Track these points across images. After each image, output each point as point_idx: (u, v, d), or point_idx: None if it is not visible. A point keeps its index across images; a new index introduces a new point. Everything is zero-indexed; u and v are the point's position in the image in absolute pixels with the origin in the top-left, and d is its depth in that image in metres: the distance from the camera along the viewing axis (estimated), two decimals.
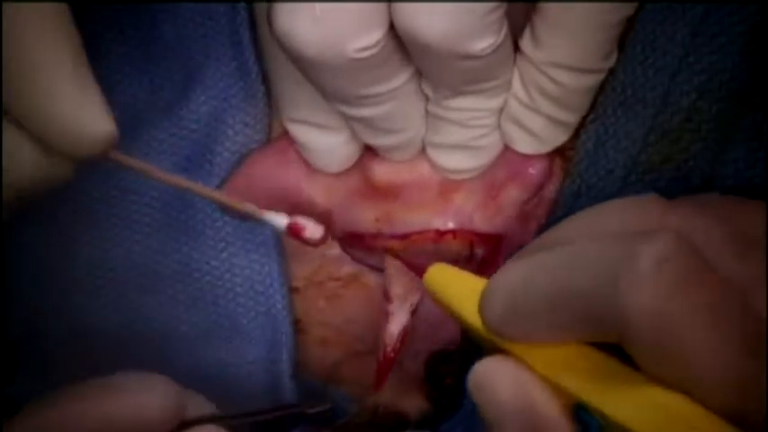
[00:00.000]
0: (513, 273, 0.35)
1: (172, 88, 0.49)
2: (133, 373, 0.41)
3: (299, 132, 0.47)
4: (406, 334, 0.48)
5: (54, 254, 0.50)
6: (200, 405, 0.42)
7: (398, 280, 0.48)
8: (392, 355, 0.48)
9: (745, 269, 0.35)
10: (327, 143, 0.47)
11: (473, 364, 0.49)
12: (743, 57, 0.44)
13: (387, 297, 0.48)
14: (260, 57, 0.48)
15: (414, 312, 0.48)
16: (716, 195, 0.40)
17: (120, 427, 0.39)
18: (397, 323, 0.48)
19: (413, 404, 0.51)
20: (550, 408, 0.34)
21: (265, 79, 0.48)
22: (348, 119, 0.45)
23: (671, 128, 0.44)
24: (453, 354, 0.49)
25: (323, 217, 0.49)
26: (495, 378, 0.35)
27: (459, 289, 0.39)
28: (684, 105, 0.44)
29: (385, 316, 0.48)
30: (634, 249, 0.32)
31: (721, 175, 0.44)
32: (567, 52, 0.42)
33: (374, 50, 0.40)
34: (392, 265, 0.48)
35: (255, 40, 0.48)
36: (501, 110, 0.45)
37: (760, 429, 0.31)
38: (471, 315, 0.37)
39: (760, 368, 0.31)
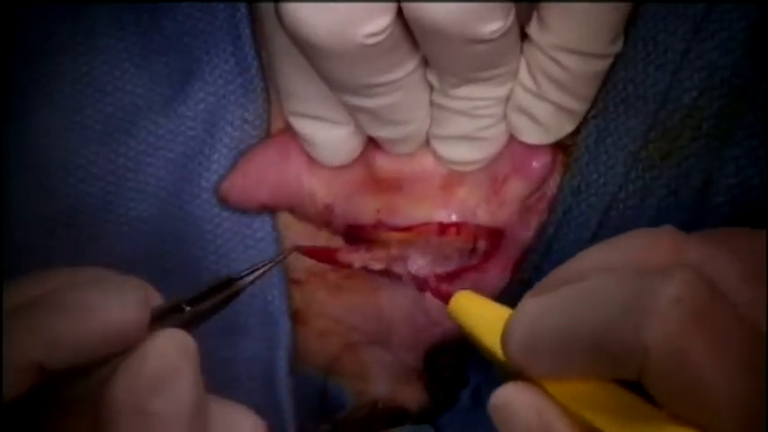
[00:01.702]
0: (531, 309, 0.36)
1: (171, 84, 0.49)
2: (99, 275, 0.38)
3: (302, 126, 0.47)
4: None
5: (52, 252, 0.50)
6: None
7: None
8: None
9: (758, 298, 0.35)
10: (331, 137, 0.47)
11: (471, 357, 0.49)
12: (744, 53, 0.44)
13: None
14: (259, 53, 0.48)
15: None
16: (731, 229, 0.40)
17: (91, 347, 0.35)
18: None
19: (411, 397, 0.51)
20: None
21: (264, 75, 0.48)
22: (353, 110, 0.45)
23: (672, 125, 0.45)
24: (452, 347, 0.49)
25: (324, 213, 0.49)
26: (515, 401, 0.35)
27: (483, 318, 0.39)
28: (685, 102, 0.44)
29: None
30: (652, 287, 0.32)
31: (722, 172, 0.44)
32: (574, 35, 0.43)
33: (382, 36, 0.40)
34: None
35: (255, 35, 0.48)
36: (507, 99, 0.45)
37: None
38: (495, 346, 0.37)
39: None
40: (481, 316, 0.39)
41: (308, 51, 0.41)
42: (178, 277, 0.49)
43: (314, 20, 0.39)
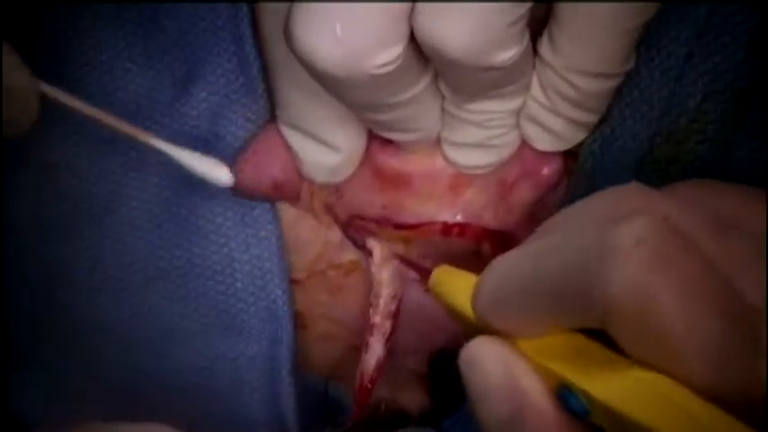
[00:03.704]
0: (502, 264, 0.36)
1: (173, 83, 0.49)
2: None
3: (295, 140, 0.47)
4: (382, 366, 0.49)
5: (54, 251, 0.50)
6: None
7: (379, 309, 0.49)
8: (369, 386, 0.49)
9: (727, 253, 0.34)
10: (324, 161, 0.47)
11: None
12: (746, 57, 0.44)
13: (369, 329, 0.49)
14: (261, 52, 0.48)
15: (387, 343, 0.49)
16: (701, 181, 0.39)
17: None
18: (373, 354, 0.49)
19: (414, 401, 0.51)
20: (536, 388, 0.34)
21: (266, 76, 0.48)
22: (363, 119, 0.45)
23: (677, 129, 0.44)
24: (456, 351, 0.49)
25: (330, 197, 0.49)
26: (483, 356, 0.35)
27: (460, 288, 0.39)
28: (690, 107, 0.44)
29: (365, 347, 0.49)
30: (614, 231, 0.32)
31: (727, 175, 0.44)
32: (586, 59, 0.42)
33: (394, 66, 0.40)
34: (376, 294, 0.49)
35: (257, 35, 0.48)
36: (519, 110, 0.45)
37: (742, 409, 0.31)
38: (470, 313, 0.37)
39: (741, 347, 0.31)
40: (458, 286, 0.39)
41: (318, 78, 0.41)
42: (179, 276, 0.50)
43: (326, 52, 0.39)
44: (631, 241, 0.31)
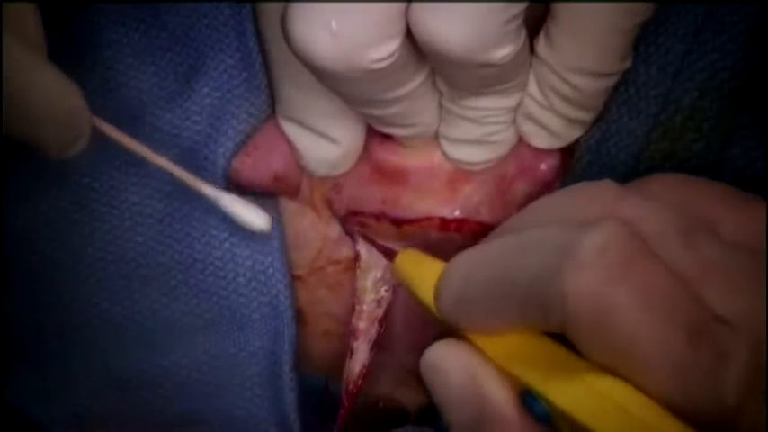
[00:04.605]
0: (465, 259, 0.36)
1: (175, 79, 0.49)
2: None
3: (295, 134, 0.47)
4: (368, 372, 0.49)
5: (55, 247, 0.50)
6: None
7: (362, 315, 0.49)
8: (354, 390, 0.49)
9: (693, 257, 0.34)
10: (323, 154, 0.47)
11: None
12: (744, 55, 0.44)
13: (353, 333, 0.49)
14: (263, 47, 0.48)
15: (373, 348, 0.49)
16: (666, 177, 0.39)
17: None
18: (357, 359, 0.49)
19: (412, 399, 0.51)
20: (498, 393, 0.35)
21: (267, 71, 0.48)
22: (360, 113, 0.45)
23: (673, 126, 0.44)
24: None
25: (331, 191, 0.49)
26: (446, 361, 0.36)
27: (423, 275, 0.39)
28: (686, 104, 0.44)
29: (349, 353, 0.49)
30: (577, 236, 0.32)
31: (723, 173, 0.44)
32: (583, 57, 0.42)
33: (390, 61, 0.40)
34: (359, 300, 0.49)
35: (259, 31, 0.48)
36: (516, 107, 0.45)
37: (700, 418, 0.31)
38: (428, 298, 0.38)
39: (705, 359, 0.31)
40: (421, 273, 0.39)
41: (315, 73, 0.41)
42: (180, 272, 0.50)
43: (322, 48, 0.39)
44: (595, 251, 0.32)
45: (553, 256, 0.32)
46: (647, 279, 0.32)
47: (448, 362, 0.35)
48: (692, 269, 0.34)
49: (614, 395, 0.32)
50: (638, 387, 0.32)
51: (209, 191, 0.46)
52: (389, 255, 0.41)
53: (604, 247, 0.32)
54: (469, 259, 0.35)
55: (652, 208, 0.36)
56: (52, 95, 0.38)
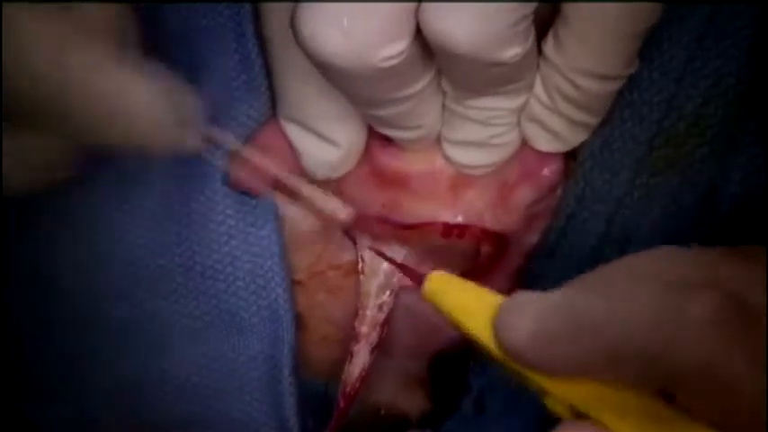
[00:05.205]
0: (542, 304, 0.35)
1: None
2: None
3: (296, 135, 0.47)
4: (366, 375, 0.49)
5: (56, 249, 0.50)
6: None
7: (365, 319, 0.48)
8: (351, 393, 0.49)
9: None
10: (323, 156, 0.47)
11: (475, 365, 0.49)
12: (748, 61, 0.44)
13: (355, 336, 0.49)
14: (263, 50, 0.48)
15: (374, 352, 0.49)
16: (760, 247, 0.40)
17: None
18: (357, 363, 0.49)
19: (413, 404, 0.51)
20: None
21: (268, 73, 0.48)
22: (364, 114, 0.45)
23: (676, 132, 0.44)
24: (454, 354, 0.49)
25: (333, 192, 0.49)
26: None
27: (463, 299, 0.39)
28: (690, 110, 0.44)
29: (350, 356, 0.49)
30: (682, 302, 0.33)
31: (727, 179, 0.44)
32: (591, 60, 0.42)
33: (399, 59, 0.40)
34: (362, 304, 0.49)
35: (259, 33, 0.48)
36: (521, 109, 0.45)
37: None
38: (478, 328, 0.37)
39: None
40: (456, 296, 0.39)
41: (324, 71, 0.41)
42: (180, 275, 0.50)
43: (333, 45, 0.39)
44: (701, 316, 0.33)
45: (656, 318, 0.33)
46: (754, 343, 0.33)
47: None
48: None
49: None
50: None
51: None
52: (418, 279, 0.41)
53: (711, 312, 0.33)
54: (549, 303, 0.35)
55: (744, 265, 0.37)
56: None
